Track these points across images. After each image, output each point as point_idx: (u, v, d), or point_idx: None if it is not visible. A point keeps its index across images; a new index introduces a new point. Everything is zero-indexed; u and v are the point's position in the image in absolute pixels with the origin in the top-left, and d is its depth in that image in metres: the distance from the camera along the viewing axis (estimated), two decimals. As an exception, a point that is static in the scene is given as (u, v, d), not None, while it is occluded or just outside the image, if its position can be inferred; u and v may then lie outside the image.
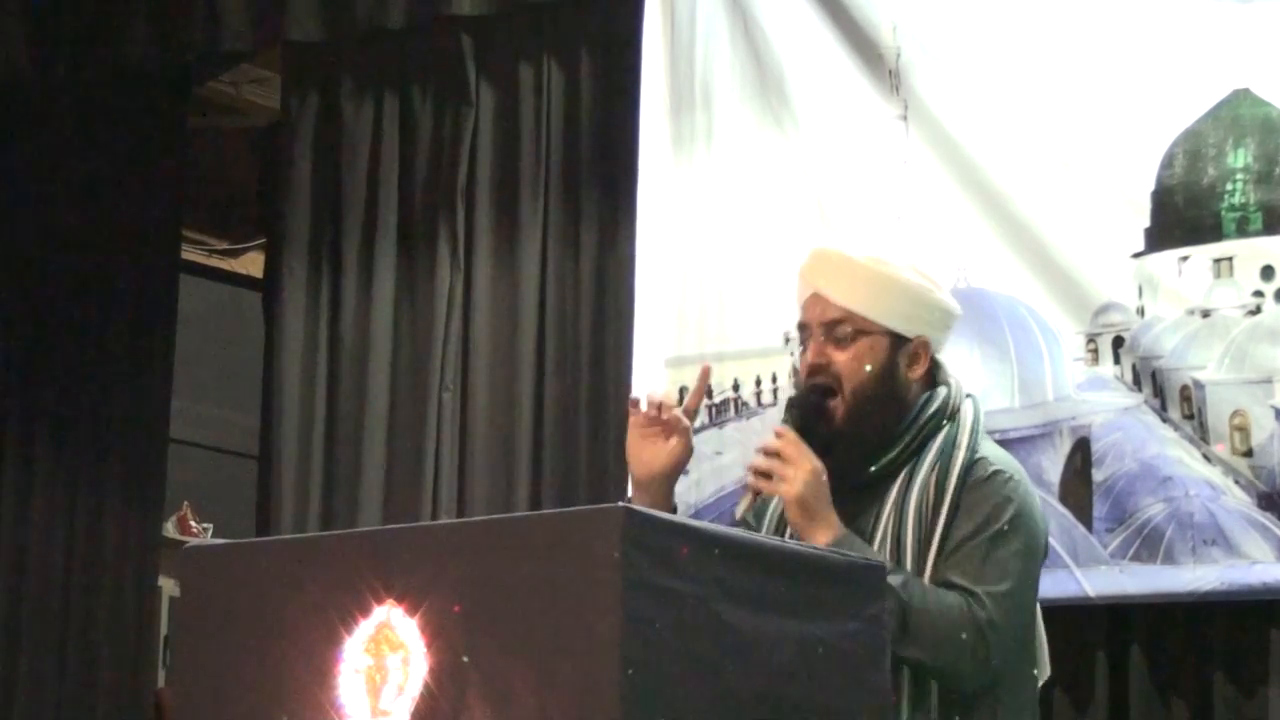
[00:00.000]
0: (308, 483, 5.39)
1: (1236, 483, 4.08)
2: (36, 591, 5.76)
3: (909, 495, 2.68)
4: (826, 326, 2.75)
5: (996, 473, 2.71)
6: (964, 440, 2.72)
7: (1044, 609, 4.11)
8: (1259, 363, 4.11)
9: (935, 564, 2.64)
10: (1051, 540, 4.19)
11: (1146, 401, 4.23)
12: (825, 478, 2.65)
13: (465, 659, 1.92)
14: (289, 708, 2.04)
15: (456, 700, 1.92)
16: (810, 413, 2.72)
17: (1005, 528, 2.66)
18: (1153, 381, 4.23)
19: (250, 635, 2.12)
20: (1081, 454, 4.28)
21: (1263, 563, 4.02)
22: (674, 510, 2.79)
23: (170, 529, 6.84)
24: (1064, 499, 4.26)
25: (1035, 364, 4.39)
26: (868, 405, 2.72)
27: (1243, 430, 4.10)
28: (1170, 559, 4.10)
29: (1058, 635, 4.28)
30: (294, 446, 5.41)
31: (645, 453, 2.76)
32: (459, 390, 5.23)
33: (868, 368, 2.72)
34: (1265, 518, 4.04)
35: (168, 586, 6.27)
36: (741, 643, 1.94)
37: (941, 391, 2.77)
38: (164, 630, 6.50)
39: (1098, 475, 4.24)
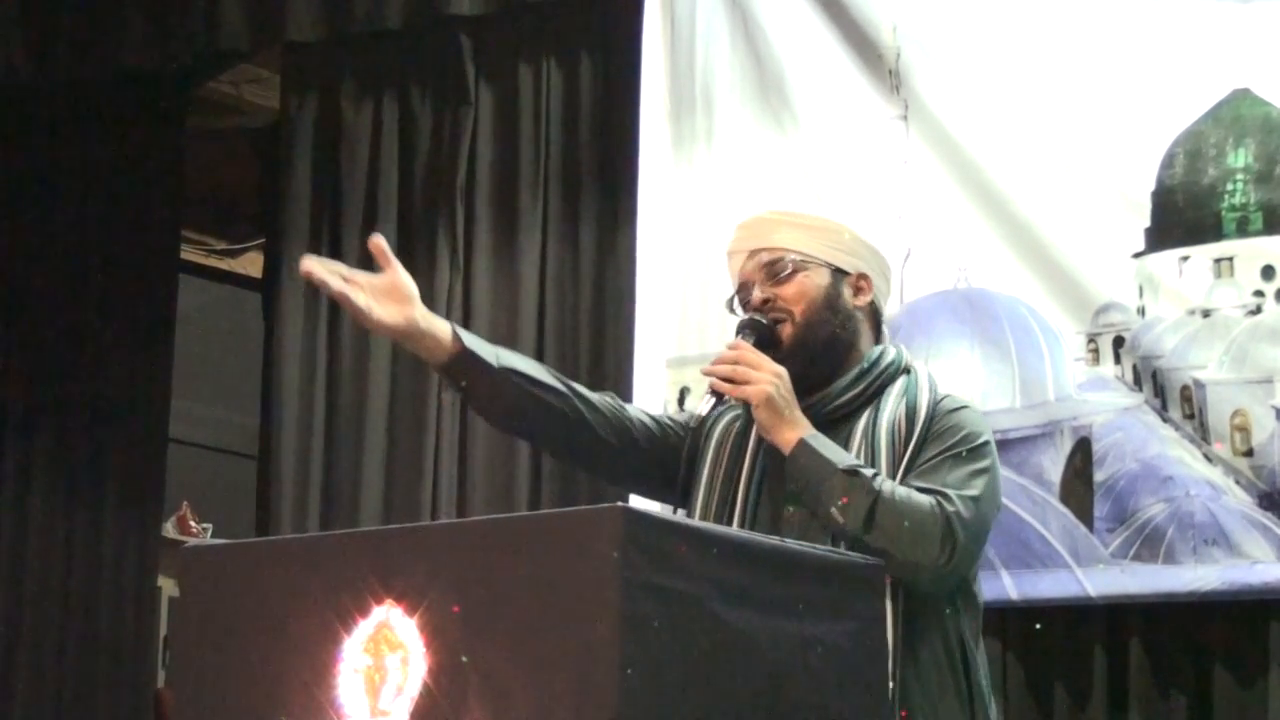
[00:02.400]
0: (308, 483, 5.38)
1: (1237, 482, 4.08)
2: (36, 591, 5.76)
3: (878, 426, 2.72)
4: (766, 269, 2.80)
5: (965, 407, 2.76)
6: (924, 384, 2.77)
7: (1044, 608, 4.12)
8: (1259, 362, 4.11)
9: (905, 479, 2.66)
10: (1052, 540, 4.22)
11: (1147, 401, 4.23)
12: (789, 380, 2.69)
13: (464, 659, 1.92)
14: (289, 708, 2.04)
15: (456, 700, 1.92)
16: (762, 335, 2.76)
17: (975, 447, 2.69)
18: (1153, 381, 4.23)
19: (250, 635, 2.12)
20: (1082, 454, 4.28)
21: (1263, 562, 4.02)
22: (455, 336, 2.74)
23: (170, 529, 6.85)
24: (1065, 499, 4.26)
25: (1036, 364, 4.38)
26: (816, 326, 2.77)
27: (1243, 430, 4.10)
28: (1171, 559, 4.10)
29: (1058, 635, 4.30)
30: (294, 446, 5.41)
31: (380, 316, 2.69)
32: (459, 390, 5.22)
33: (812, 293, 2.78)
34: (1266, 517, 4.04)
35: (168, 586, 6.27)
36: (740, 642, 1.94)
37: (892, 350, 2.83)
38: (164, 630, 6.50)
39: (1099, 475, 4.24)
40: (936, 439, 2.69)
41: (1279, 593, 4.03)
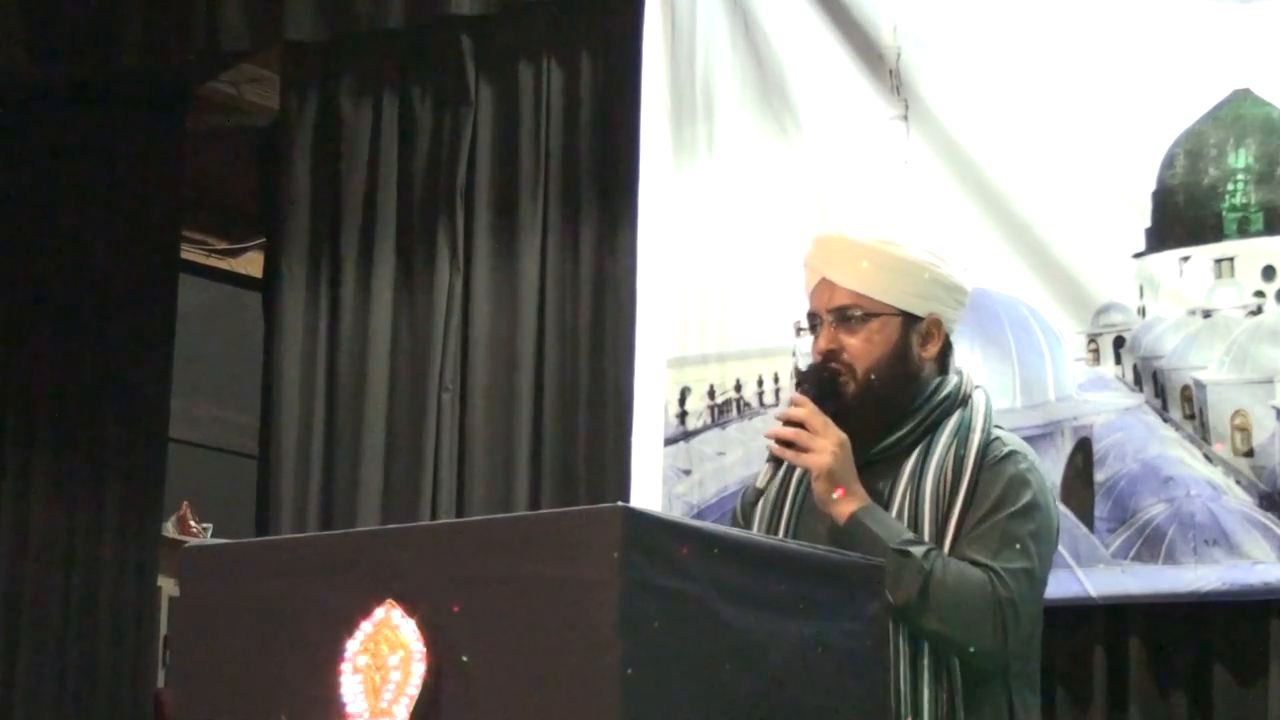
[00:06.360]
0: (308, 483, 5.38)
1: (1238, 483, 4.08)
2: (36, 591, 5.76)
3: (925, 472, 2.69)
4: (837, 312, 2.76)
5: (1012, 453, 2.73)
6: (979, 423, 2.74)
7: (1044, 608, 4.11)
8: (1260, 363, 4.11)
9: (954, 542, 2.64)
10: (1053, 540, 4.22)
11: (1148, 402, 4.23)
12: (850, 450, 2.67)
13: (465, 659, 1.92)
14: (289, 708, 2.04)
15: (456, 700, 1.92)
16: (824, 386, 2.73)
17: (1022, 507, 2.67)
18: (1154, 382, 4.23)
19: (250, 635, 2.12)
20: (1083, 454, 4.28)
21: (1264, 563, 4.02)
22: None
23: (170, 529, 6.85)
24: (1066, 499, 4.25)
25: (1037, 364, 4.38)
26: (881, 385, 2.74)
27: (1244, 430, 4.09)
28: (1172, 559, 4.10)
29: (1058, 634, 4.29)
30: (294, 446, 5.40)
31: None
32: (459, 390, 5.23)
33: (880, 349, 2.74)
34: (1266, 517, 4.04)
35: (168, 586, 6.27)
36: (741, 642, 1.94)
37: (953, 379, 2.80)
38: (164, 630, 6.50)
39: (1099, 475, 4.24)
40: (984, 494, 2.67)
41: (1279, 593, 4.03)
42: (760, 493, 2.78)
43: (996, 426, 2.77)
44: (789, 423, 2.69)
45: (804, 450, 2.66)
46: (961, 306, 2.84)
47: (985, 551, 2.62)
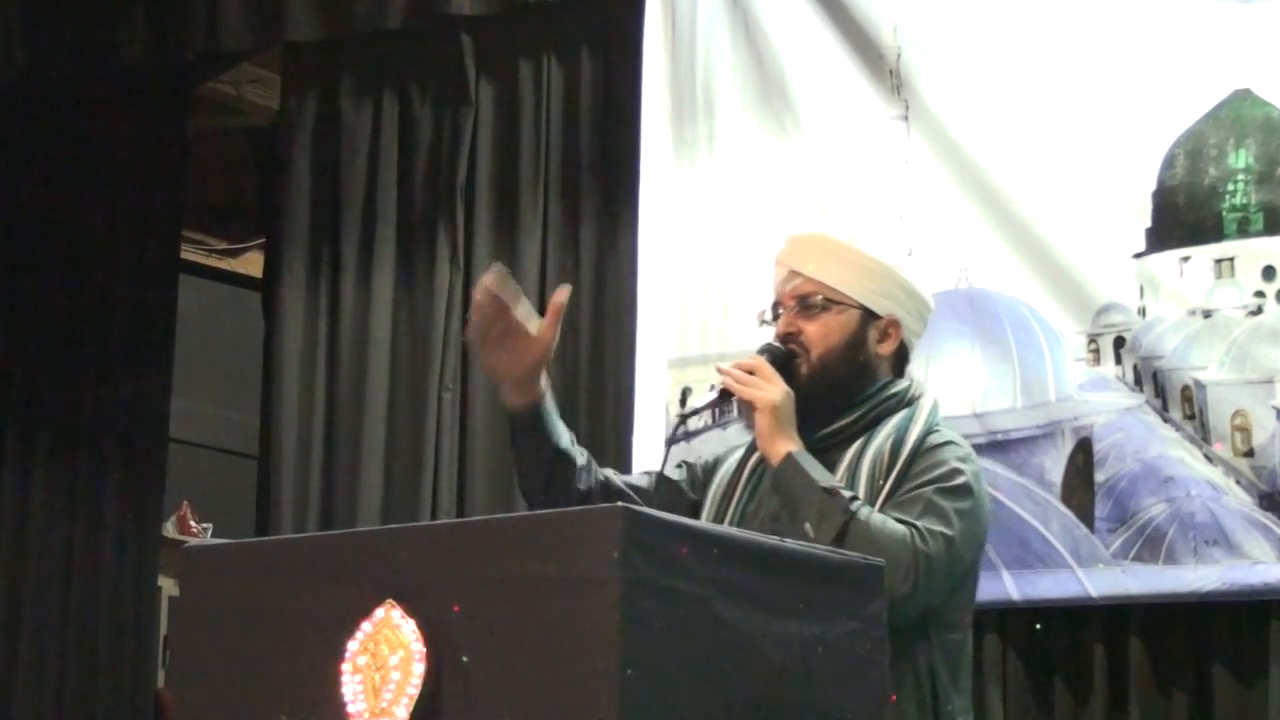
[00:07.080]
0: (308, 483, 5.38)
1: (1238, 483, 4.08)
2: (36, 592, 5.76)
3: (862, 460, 2.74)
4: (799, 299, 2.84)
5: (950, 442, 2.77)
6: (921, 418, 2.78)
7: (1045, 608, 4.12)
8: (1260, 363, 4.11)
9: (882, 510, 2.67)
10: (1053, 540, 4.22)
11: (1148, 402, 4.23)
12: (794, 403, 2.73)
13: (465, 659, 1.92)
14: (289, 708, 2.04)
15: (456, 700, 1.92)
16: (779, 362, 2.79)
17: (952, 487, 2.70)
18: (1154, 382, 4.23)
19: (250, 635, 2.12)
20: (1083, 454, 4.28)
21: (1264, 563, 4.02)
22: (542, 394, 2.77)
23: (170, 529, 6.84)
24: (1066, 499, 4.26)
25: (1037, 364, 4.39)
26: (832, 370, 2.80)
27: (1244, 430, 4.09)
28: (1172, 559, 4.10)
29: (1058, 634, 4.30)
30: (294, 446, 5.41)
31: (498, 361, 2.73)
32: (459, 390, 5.23)
33: (836, 337, 2.81)
34: (1266, 518, 4.04)
35: (168, 586, 6.27)
36: (741, 642, 1.94)
37: (904, 381, 2.86)
38: (164, 630, 6.49)
39: (1099, 475, 4.24)
40: (917, 475, 2.70)
41: (1279, 593, 4.03)
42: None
43: (937, 427, 2.79)
44: (743, 368, 2.77)
45: (754, 387, 2.73)
46: (922, 321, 2.90)
47: (909, 514, 2.66)
